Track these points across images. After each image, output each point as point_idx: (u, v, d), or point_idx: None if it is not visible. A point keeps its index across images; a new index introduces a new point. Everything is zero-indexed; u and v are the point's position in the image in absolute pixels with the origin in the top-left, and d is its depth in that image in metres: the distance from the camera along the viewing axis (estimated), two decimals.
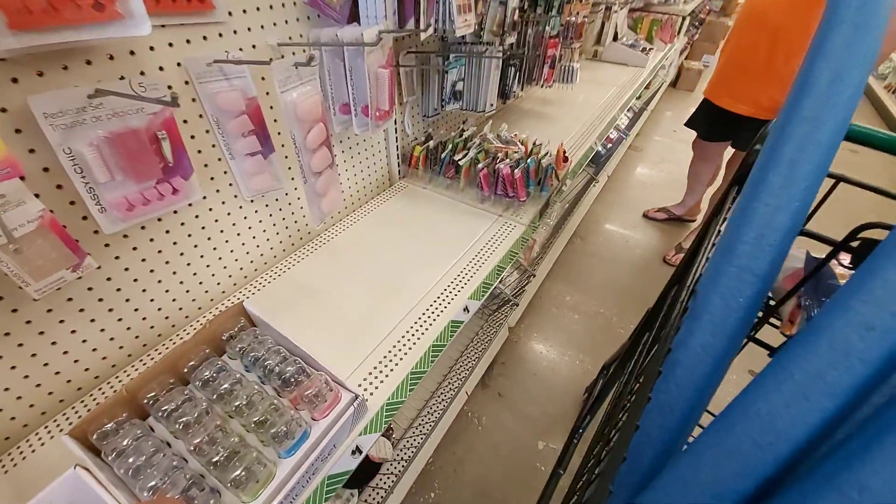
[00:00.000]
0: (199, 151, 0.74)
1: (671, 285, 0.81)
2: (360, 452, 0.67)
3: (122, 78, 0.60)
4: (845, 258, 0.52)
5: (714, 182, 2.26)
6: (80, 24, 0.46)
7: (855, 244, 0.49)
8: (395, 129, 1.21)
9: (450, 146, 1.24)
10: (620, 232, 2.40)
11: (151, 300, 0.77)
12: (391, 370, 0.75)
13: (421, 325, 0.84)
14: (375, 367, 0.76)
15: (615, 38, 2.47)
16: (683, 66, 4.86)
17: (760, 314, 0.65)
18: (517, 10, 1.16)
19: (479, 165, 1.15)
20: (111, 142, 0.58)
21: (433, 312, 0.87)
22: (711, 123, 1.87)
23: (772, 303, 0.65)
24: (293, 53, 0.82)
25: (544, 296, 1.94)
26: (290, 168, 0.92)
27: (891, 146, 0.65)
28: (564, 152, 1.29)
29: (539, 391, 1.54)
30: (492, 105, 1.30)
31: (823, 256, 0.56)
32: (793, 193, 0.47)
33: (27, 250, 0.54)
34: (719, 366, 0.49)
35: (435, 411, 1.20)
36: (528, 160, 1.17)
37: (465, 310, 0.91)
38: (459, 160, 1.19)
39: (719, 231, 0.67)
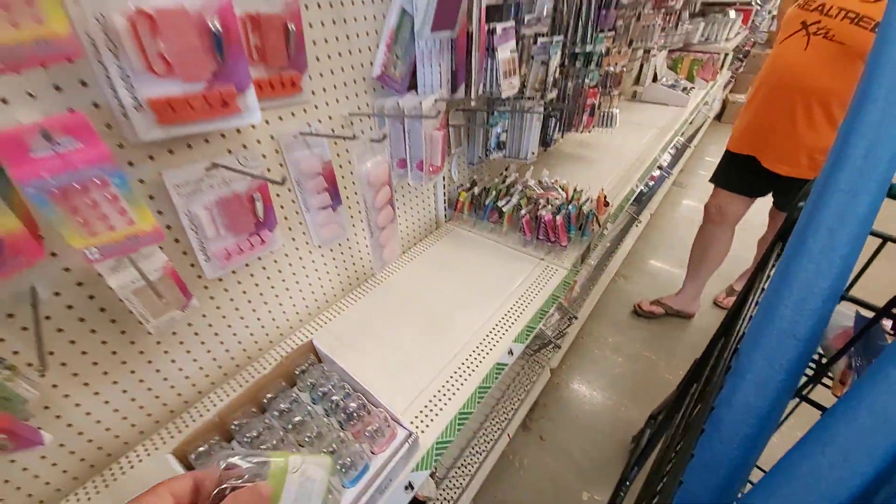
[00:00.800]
0: (282, 207, 0.86)
1: (717, 338, 0.81)
2: (412, 488, 0.72)
3: (229, 152, 0.73)
4: (889, 322, 0.52)
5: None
6: (210, 118, 0.59)
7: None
8: (443, 176, 1.32)
9: (493, 192, 1.32)
10: (666, 270, 2.34)
11: (234, 334, 0.88)
12: (440, 410, 0.80)
13: (468, 367, 0.89)
14: (426, 406, 0.81)
15: (654, 80, 2.51)
16: (728, 100, 4.77)
17: (812, 373, 0.64)
18: (558, 69, 1.25)
19: (522, 212, 1.22)
20: (220, 204, 0.70)
21: (479, 354, 0.92)
22: (741, 175, 1.68)
23: (823, 360, 0.65)
24: (360, 120, 0.95)
25: (586, 336, 1.92)
26: (351, 217, 1.03)
27: None
28: (605, 197, 1.33)
29: (582, 436, 1.51)
30: (533, 153, 1.38)
31: (871, 316, 0.57)
32: (832, 259, 0.49)
33: (153, 293, 0.66)
34: (764, 425, 0.50)
35: (477, 452, 1.22)
36: (569, 206, 1.22)
37: (509, 352, 0.95)
38: (503, 206, 1.26)
39: (763, 288, 0.68)
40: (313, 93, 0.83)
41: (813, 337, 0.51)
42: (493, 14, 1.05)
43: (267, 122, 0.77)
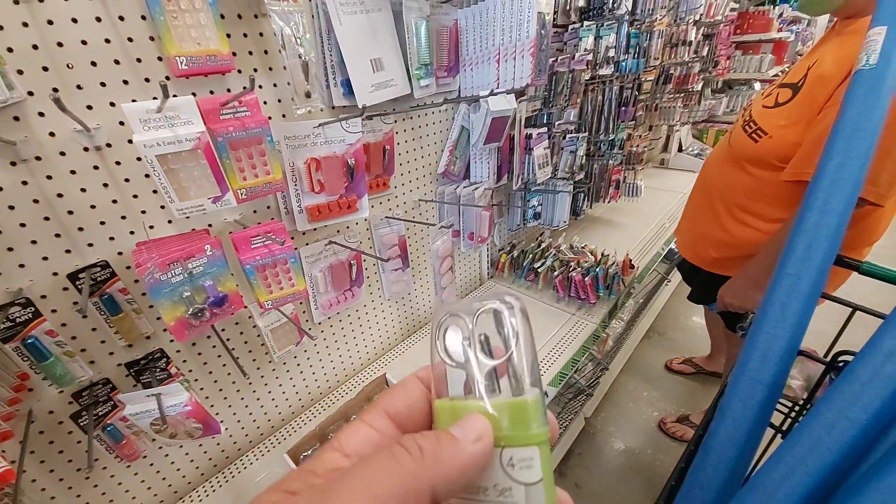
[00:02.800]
0: (366, 268, 1.14)
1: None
2: None
3: (338, 231, 1.02)
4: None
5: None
6: (338, 216, 0.88)
7: (840, 364, 0.65)
8: (487, 243, 1.57)
9: (530, 255, 1.55)
10: (701, 325, 2.39)
11: (330, 362, 1.12)
12: None
13: None
14: None
15: (680, 150, 2.73)
16: None
17: (794, 415, 0.78)
18: (584, 156, 1.51)
19: (555, 273, 1.43)
20: (330, 269, 0.98)
21: None
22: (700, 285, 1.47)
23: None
24: (427, 202, 1.23)
25: (621, 390, 2.00)
26: (414, 276, 1.29)
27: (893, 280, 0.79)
28: (630, 260, 1.51)
29: (617, 485, 1.56)
30: (565, 222, 1.61)
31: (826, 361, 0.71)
32: (784, 326, 0.67)
33: (279, 332, 0.93)
34: (742, 451, 0.66)
35: None
36: (597, 268, 1.41)
37: (544, 394, 1.12)
38: (538, 268, 1.48)
39: None
40: (395, 187, 1.13)
41: (776, 383, 0.67)
42: (531, 120, 1.34)
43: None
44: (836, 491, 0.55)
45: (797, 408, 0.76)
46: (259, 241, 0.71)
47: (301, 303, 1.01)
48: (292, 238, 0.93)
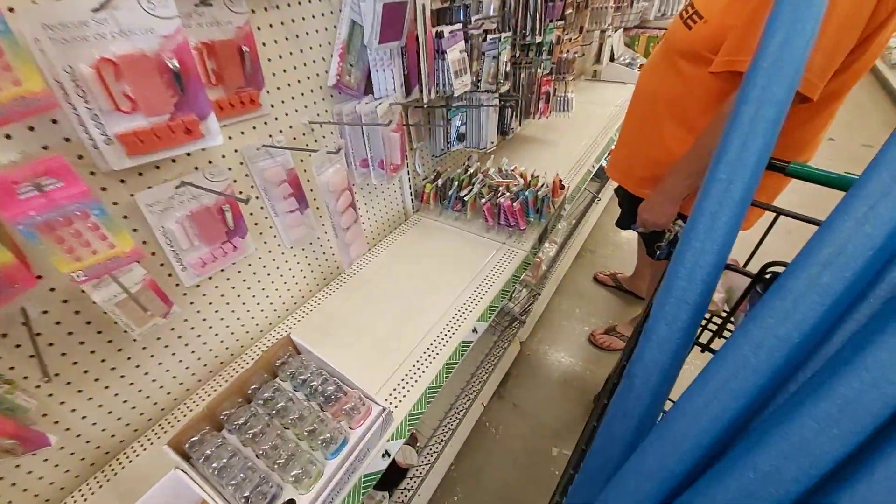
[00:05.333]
0: (251, 214, 0.92)
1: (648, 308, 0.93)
2: (389, 455, 0.82)
3: (196, 168, 0.79)
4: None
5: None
6: (175, 145, 0.64)
7: (768, 276, 0.61)
8: (408, 170, 1.38)
9: (456, 183, 1.40)
10: (629, 241, 2.49)
11: (216, 335, 0.95)
12: (412, 386, 0.90)
13: (436, 346, 0.98)
14: (398, 384, 0.91)
15: (612, 59, 2.59)
16: None
17: (716, 327, 0.76)
18: (508, 63, 1.31)
19: (483, 200, 1.30)
20: (191, 218, 0.76)
21: (446, 335, 1.01)
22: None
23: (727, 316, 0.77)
24: (320, 126, 1.00)
25: (555, 310, 2.05)
26: (320, 216, 1.10)
27: (826, 181, 0.76)
28: (560, 181, 1.42)
29: (553, 400, 1.65)
30: (492, 142, 1.46)
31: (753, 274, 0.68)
32: (714, 238, 0.60)
33: (136, 304, 0.72)
34: (666, 377, 0.62)
35: (454, 421, 1.34)
36: (527, 192, 1.31)
37: (473, 331, 1.05)
38: (465, 196, 1.34)
39: None
40: (272, 106, 0.88)
41: (702, 301, 0.62)
42: (442, 17, 1.10)
43: (230, 137, 0.82)
44: (763, 414, 0.52)
45: (719, 321, 0.74)
46: (29, 190, 0.48)
47: (161, 265, 0.79)
48: (122, 181, 0.69)
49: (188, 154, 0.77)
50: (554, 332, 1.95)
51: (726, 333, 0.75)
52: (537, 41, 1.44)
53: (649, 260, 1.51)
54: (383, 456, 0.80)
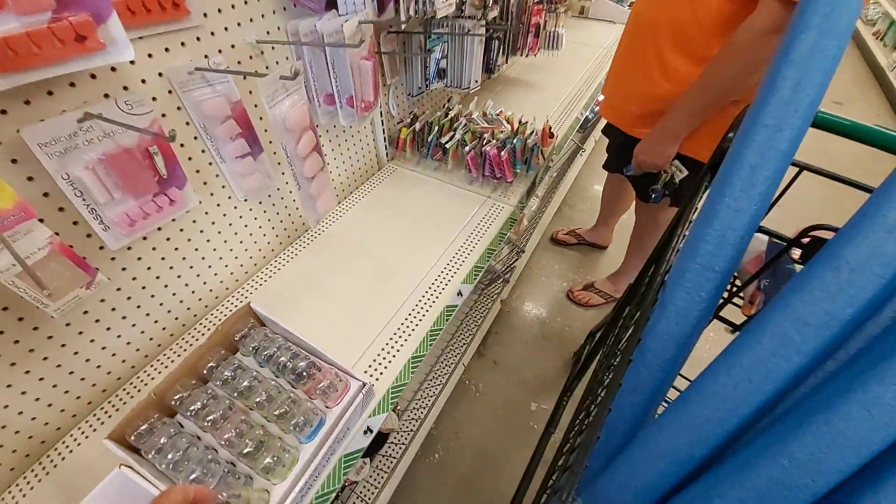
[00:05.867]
0: (190, 159, 0.75)
1: (648, 266, 0.86)
2: (371, 432, 0.75)
3: (106, 96, 0.60)
4: (798, 251, 0.57)
5: (628, 208, 1.75)
6: (65, 59, 0.46)
7: (805, 240, 0.54)
8: (381, 112, 1.20)
9: (436, 128, 1.24)
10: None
11: (161, 304, 0.80)
12: (393, 356, 0.82)
13: (418, 312, 0.89)
14: (379, 355, 0.82)
15: None
16: None
17: (726, 294, 0.71)
18: None
19: (466, 148, 1.16)
20: (106, 163, 0.59)
21: (429, 299, 0.92)
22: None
23: (737, 283, 0.72)
24: (272, 49, 0.81)
25: (534, 265, 2.01)
26: (279, 164, 0.93)
27: (853, 132, 0.68)
28: (550, 129, 1.30)
29: (532, 357, 1.65)
30: (476, 81, 1.29)
31: (783, 243, 0.62)
32: (752, 196, 0.51)
33: (41, 275, 0.57)
34: (681, 351, 0.56)
35: (435, 385, 1.29)
36: (514, 140, 1.18)
37: (458, 294, 0.97)
38: (446, 143, 1.19)
39: (691, 221, 0.72)
40: (205, 15, 0.68)
41: (730, 269, 0.54)
42: None
43: (150, 56, 0.63)
44: (794, 395, 0.47)
45: (734, 288, 0.68)
46: None
47: (75, 223, 0.63)
48: (3, 112, 0.50)
49: (92, 77, 0.58)
50: (533, 288, 1.92)
51: (737, 300, 0.70)
52: None
53: (641, 206, 1.46)
54: (365, 433, 0.73)
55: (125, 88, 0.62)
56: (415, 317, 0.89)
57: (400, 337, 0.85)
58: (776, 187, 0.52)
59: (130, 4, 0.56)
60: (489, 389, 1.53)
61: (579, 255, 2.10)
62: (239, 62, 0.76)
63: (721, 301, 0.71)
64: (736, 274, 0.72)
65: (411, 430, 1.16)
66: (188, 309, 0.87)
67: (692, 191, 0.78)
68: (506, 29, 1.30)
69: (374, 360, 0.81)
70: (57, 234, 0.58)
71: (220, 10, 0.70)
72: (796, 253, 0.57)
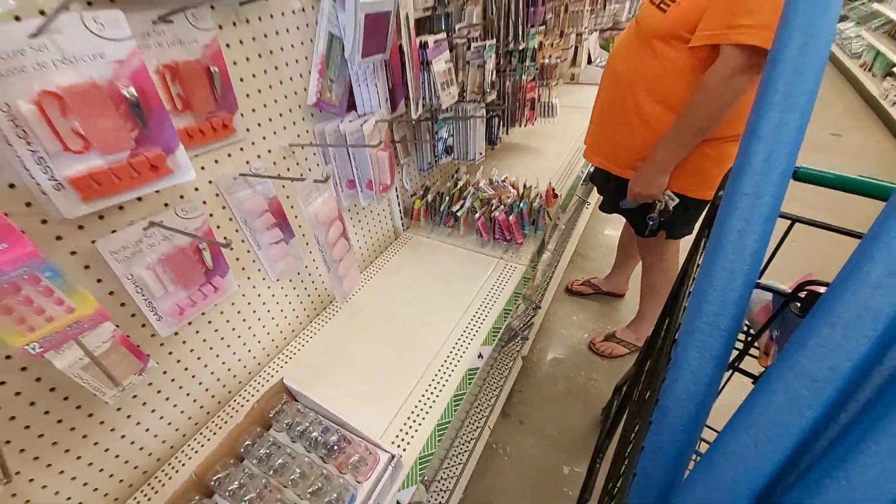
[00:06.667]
0: (232, 249, 0.84)
1: (662, 318, 0.89)
2: None
3: (166, 205, 0.70)
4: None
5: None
6: (140, 185, 0.56)
7: (802, 294, 0.57)
8: (395, 188, 1.32)
9: (447, 198, 1.34)
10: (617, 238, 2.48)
11: (200, 383, 0.86)
12: (419, 424, 0.84)
13: (441, 378, 0.92)
14: (405, 424, 0.84)
15: (589, 62, 2.59)
16: None
17: (741, 346, 0.73)
18: (493, 71, 1.27)
19: (476, 215, 1.25)
20: (163, 262, 0.68)
21: (450, 364, 0.95)
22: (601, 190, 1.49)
23: (751, 332, 0.73)
24: (301, 149, 0.93)
25: (552, 318, 2.01)
26: (307, 244, 1.02)
27: (837, 184, 0.73)
28: (553, 189, 1.38)
29: (559, 414, 1.60)
30: (481, 153, 1.41)
31: (788, 292, 0.65)
32: (744, 258, 0.55)
33: (104, 366, 0.64)
34: (701, 409, 0.57)
35: (462, 451, 1.27)
36: (521, 203, 1.26)
37: (479, 356, 0.99)
38: (457, 211, 1.28)
39: (694, 277, 0.75)
40: (248, 130, 0.80)
41: (735, 326, 0.57)
42: (424, 26, 1.04)
43: (203, 168, 0.75)
44: (814, 450, 0.48)
45: (748, 339, 0.70)
46: None
47: (133, 315, 0.71)
48: (81, 228, 0.60)
49: (157, 191, 0.69)
50: (553, 341, 1.91)
51: (754, 351, 0.71)
52: (520, 48, 1.40)
53: (640, 241, 1.51)
54: None
55: (181, 197, 0.72)
56: (438, 382, 0.91)
57: (425, 404, 0.87)
58: (766, 246, 0.57)
59: (190, 131, 0.67)
60: (518, 452, 1.48)
61: (597, 304, 2.10)
62: (274, 163, 0.87)
63: (738, 353, 0.73)
64: (749, 324, 0.74)
65: (440, 502, 1.13)
66: (223, 386, 0.91)
67: (692, 247, 0.82)
68: (503, 108, 1.44)
69: (401, 430, 0.83)
70: (117, 326, 0.65)
71: (259, 125, 0.82)
72: (797, 305, 0.60)
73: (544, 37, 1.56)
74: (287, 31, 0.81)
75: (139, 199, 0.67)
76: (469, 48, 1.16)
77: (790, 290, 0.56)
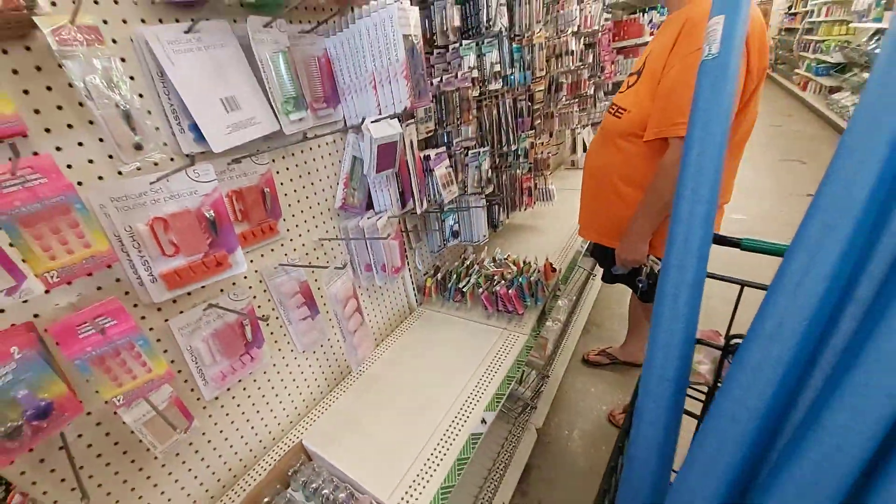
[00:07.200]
0: (268, 324, 1.01)
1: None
2: None
3: (221, 290, 0.90)
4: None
5: None
6: (207, 277, 0.76)
7: (733, 346, 0.67)
8: (409, 269, 1.50)
9: (454, 276, 1.51)
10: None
11: (230, 446, 0.97)
12: (424, 487, 0.89)
13: (445, 442, 0.99)
14: (411, 486, 0.90)
15: (585, 150, 2.89)
16: None
17: (705, 397, 0.79)
18: (489, 170, 1.51)
19: (480, 290, 1.39)
20: (215, 335, 0.85)
21: (455, 429, 1.02)
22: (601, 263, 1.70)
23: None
24: (328, 241, 1.14)
25: (569, 390, 2.01)
26: (330, 320, 1.18)
27: (776, 252, 0.84)
28: (551, 264, 1.53)
29: (580, 494, 1.54)
30: (484, 236, 1.60)
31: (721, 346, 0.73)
32: (679, 318, 0.67)
33: (163, 422, 0.78)
34: (662, 452, 0.64)
35: None
36: (520, 278, 1.40)
37: (482, 422, 1.06)
38: (463, 287, 1.44)
39: None
40: (287, 230, 1.03)
41: (681, 376, 0.66)
42: (430, 141, 1.32)
43: (251, 261, 0.95)
44: (755, 480, 0.54)
45: (711, 391, 0.77)
46: (89, 329, 0.58)
47: (186, 381, 0.86)
48: (159, 310, 0.80)
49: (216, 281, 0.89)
50: (572, 414, 1.88)
51: None
52: (514, 148, 1.66)
53: (644, 306, 1.60)
54: None
55: (233, 284, 0.92)
56: (443, 446, 0.98)
57: (430, 467, 0.94)
58: (697, 310, 0.68)
59: (245, 234, 0.89)
60: None
61: (615, 374, 2.08)
62: (307, 254, 1.08)
63: (703, 404, 0.78)
64: (713, 381, 0.81)
65: None
66: (250, 450, 1.02)
67: None
68: (502, 197, 1.66)
69: (407, 492, 0.89)
70: (174, 390, 0.81)
71: (296, 225, 1.05)
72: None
73: (535, 137, 1.84)
74: (322, 157, 1.07)
75: (203, 287, 0.87)
76: (467, 154, 1.42)
77: (723, 344, 0.65)
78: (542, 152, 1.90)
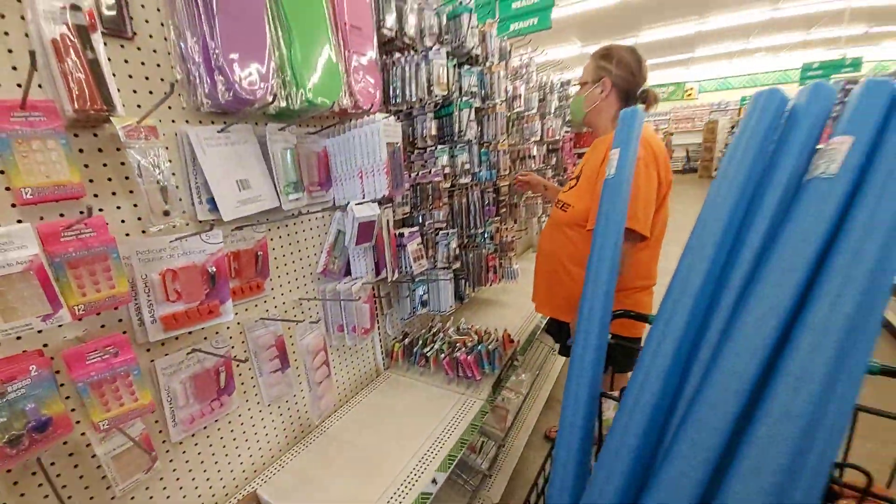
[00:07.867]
0: (240, 374, 1.11)
1: None
2: None
3: (205, 338, 1.01)
4: None
5: None
6: (199, 322, 0.89)
7: None
8: (379, 332, 1.63)
9: (420, 342, 1.63)
10: None
11: (184, 497, 0.99)
12: None
13: (396, 499, 1.04)
14: None
15: None
16: None
17: None
18: (457, 248, 1.73)
19: (442, 356, 1.52)
20: (193, 379, 0.95)
21: (406, 487, 1.08)
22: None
23: None
24: (307, 300, 1.29)
25: (530, 465, 2.01)
26: (298, 376, 1.27)
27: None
28: (509, 335, 1.68)
29: None
30: (451, 306, 1.76)
31: None
32: (585, 374, 0.82)
33: (126, 456, 0.84)
34: (575, 489, 0.74)
35: None
36: (480, 346, 1.54)
37: (433, 482, 1.12)
38: (427, 353, 1.56)
39: None
40: (272, 289, 1.17)
41: (586, 425, 0.79)
42: (405, 222, 1.54)
43: (237, 313, 1.08)
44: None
45: None
46: (96, 356, 0.70)
47: (157, 421, 0.93)
48: (147, 350, 0.90)
49: (203, 327, 1.01)
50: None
51: None
52: (480, 231, 1.91)
53: (603, 382, 1.75)
54: None
55: (216, 332, 1.04)
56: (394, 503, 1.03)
57: None
58: (601, 368, 0.84)
59: (236, 289, 1.04)
60: None
61: None
62: (286, 311, 1.22)
63: None
64: None
65: None
66: (205, 501, 1.03)
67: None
68: (468, 273, 1.87)
69: None
70: (146, 427, 0.88)
71: (280, 285, 1.20)
72: None
73: (500, 223, 2.11)
74: (311, 229, 1.27)
75: (190, 332, 0.99)
76: (437, 234, 1.65)
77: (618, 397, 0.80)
78: (507, 236, 2.16)
